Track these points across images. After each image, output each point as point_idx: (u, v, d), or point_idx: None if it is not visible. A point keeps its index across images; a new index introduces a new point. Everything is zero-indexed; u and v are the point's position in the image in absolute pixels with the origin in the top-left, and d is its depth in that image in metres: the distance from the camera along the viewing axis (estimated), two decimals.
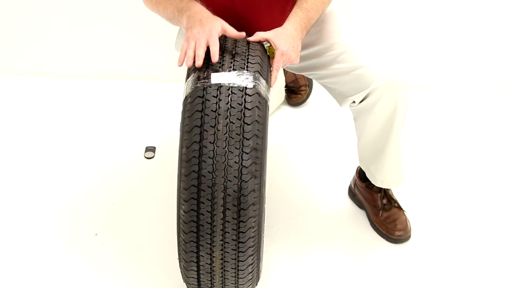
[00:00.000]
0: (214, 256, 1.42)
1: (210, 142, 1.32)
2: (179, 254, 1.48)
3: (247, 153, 1.33)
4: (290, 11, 1.57)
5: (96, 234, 1.93)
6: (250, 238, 1.40)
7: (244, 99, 1.35)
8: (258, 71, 1.40)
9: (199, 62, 1.38)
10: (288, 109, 2.55)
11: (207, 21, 1.43)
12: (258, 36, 1.49)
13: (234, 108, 1.34)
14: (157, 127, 2.43)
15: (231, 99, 1.34)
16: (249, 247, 1.41)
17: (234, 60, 1.41)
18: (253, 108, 1.35)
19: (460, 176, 2.20)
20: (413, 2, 2.63)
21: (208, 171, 1.33)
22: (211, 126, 1.33)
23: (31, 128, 2.45)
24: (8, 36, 2.77)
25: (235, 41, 1.47)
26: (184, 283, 1.59)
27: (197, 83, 1.37)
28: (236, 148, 1.33)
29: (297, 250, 1.87)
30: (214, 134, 1.32)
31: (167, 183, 2.02)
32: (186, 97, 1.38)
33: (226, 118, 1.33)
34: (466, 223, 1.98)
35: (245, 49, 1.45)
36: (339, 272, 1.80)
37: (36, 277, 1.78)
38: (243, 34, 1.44)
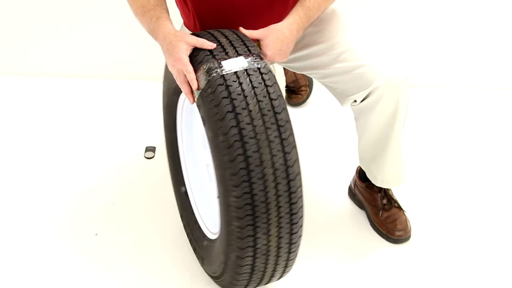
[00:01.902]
0: (270, 235, 1.42)
1: (247, 124, 1.34)
2: (228, 245, 1.46)
3: (283, 126, 1.37)
4: (291, 8, 1.57)
5: (96, 234, 1.93)
6: (300, 207, 1.42)
7: (262, 78, 1.39)
8: (259, 53, 1.44)
9: (191, 100, 1.45)
10: (288, 109, 2.54)
11: (172, 49, 1.44)
12: (248, 35, 1.50)
13: (257, 87, 1.37)
14: (157, 127, 2.42)
15: (250, 80, 1.38)
16: (300, 217, 1.43)
17: (235, 47, 1.43)
18: (273, 84, 1.39)
19: (460, 176, 2.20)
20: (414, 2, 2.63)
21: (253, 151, 1.34)
22: (242, 108, 1.35)
23: (31, 128, 2.45)
24: (8, 36, 2.77)
25: (223, 32, 1.49)
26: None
27: (212, 73, 1.38)
28: (272, 123, 1.36)
29: None
30: (248, 115, 1.35)
31: (167, 183, 2.02)
32: (203, 89, 1.39)
33: (253, 98, 1.36)
34: (466, 223, 1.98)
35: (237, 37, 1.47)
36: (339, 272, 1.80)
37: (36, 277, 1.78)
38: (214, 45, 1.44)
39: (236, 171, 1.34)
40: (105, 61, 2.78)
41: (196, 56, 1.43)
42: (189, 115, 1.79)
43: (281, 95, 1.39)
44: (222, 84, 1.36)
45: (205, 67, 1.40)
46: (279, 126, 1.36)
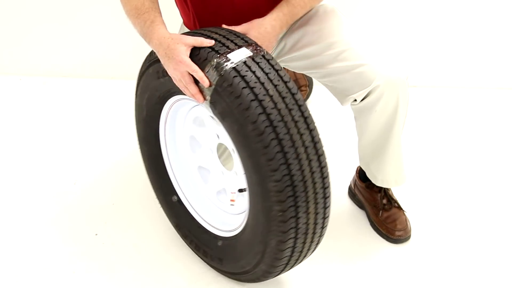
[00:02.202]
0: (309, 212, 1.44)
1: (272, 108, 1.36)
2: (269, 232, 1.46)
3: (302, 105, 1.40)
4: None
5: (96, 234, 1.93)
6: (329, 181, 1.45)
7: (270, 63, 1.41)
8: (256, 42, 1.45)
9: (200, 99, 1.44)
10: None
11: (172, 52, 1.43)
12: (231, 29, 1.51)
13: (269, 73, 1.39)
14: None
15: (260, 67, 1.40)
16: (330, 191, 1.46)
17: (231, 40, 1.44)
18: (281, 68, 1.42)
19: (460, 176, 2.19)
20: (414, 2, 2.63)
21: (284, 133, 1.36)
22: (263, 95, 1.37)
23: (31, 128, 2.45)
24: (8, 36, 2.77)
25: (211, 29, 1.49)
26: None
27: (222, 67, 1.39)
28: (293, 104, 1.39)
29: None
30: (271, 100, 1.37)
31: None
32: (217, 84, 1.40)
33: (270, 84, 1.38)
34: (466, 223, 1.98)
35: (227, 32, 1.48)
36: (339, 272, 1.80)
37: (36, 277, 1.78)
38: (213, 42, 1.44)
39: (272, 156, 1.36)
40: (105, 61, 2.78)
41: (197, 55, 1.43)
42: (173, 122, 1.77)
43: (290, 78, 1.42)
44: (237, 76, 1.37)
45: (212, 63, 1.40)
46: (299, 106, 1.39)
